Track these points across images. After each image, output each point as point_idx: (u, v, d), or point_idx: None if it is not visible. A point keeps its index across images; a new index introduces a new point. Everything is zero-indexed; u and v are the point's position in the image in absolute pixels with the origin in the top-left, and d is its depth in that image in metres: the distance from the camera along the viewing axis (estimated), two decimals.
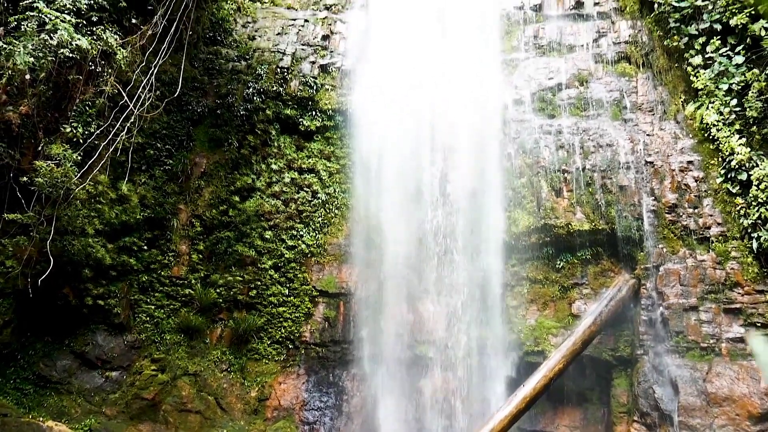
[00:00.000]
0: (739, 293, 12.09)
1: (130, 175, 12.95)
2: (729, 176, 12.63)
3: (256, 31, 16.37)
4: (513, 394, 11.61)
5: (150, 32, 13.02)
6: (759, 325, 11.77)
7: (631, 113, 14.29)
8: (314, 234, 14.55)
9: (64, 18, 11.50)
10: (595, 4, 16.08)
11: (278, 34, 16.34)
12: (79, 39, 11.47)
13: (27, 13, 11.38)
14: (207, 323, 13.88)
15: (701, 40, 13.60)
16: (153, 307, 13.64)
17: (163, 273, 13.80)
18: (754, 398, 11.21)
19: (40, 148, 11.42)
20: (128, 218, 13.17)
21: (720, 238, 12.54)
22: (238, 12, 16.58)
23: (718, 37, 13.46)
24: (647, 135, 13.88)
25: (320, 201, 14.77)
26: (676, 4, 13.92)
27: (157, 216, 13.77)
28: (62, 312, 12.68)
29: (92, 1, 12.23)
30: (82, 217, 12.10)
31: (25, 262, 11.17)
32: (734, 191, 12.51)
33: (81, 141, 11.74)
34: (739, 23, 13.10)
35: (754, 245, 12.00)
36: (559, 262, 13.47)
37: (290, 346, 13.90)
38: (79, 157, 11.53)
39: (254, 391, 13.41)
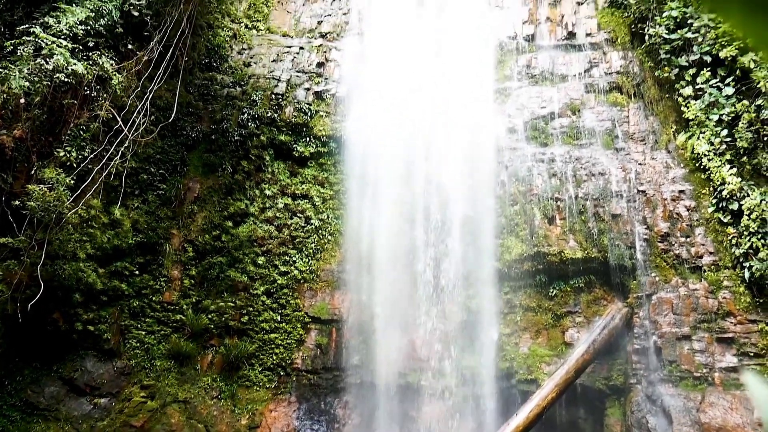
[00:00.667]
0: (731, 323, 12.10)
1: (123, 199, 12.92)
2: (720, 206, 12.72)
3: (251, 57, 16.49)
4: (506, 423, 11.51)
5: (146, 58, 13.10)
6: (752, 354, 11.77)
7: (623, 142, 14.42)
8: (307, 260, 14.52)
9: (61, 43, 11.57)
10: (587, 35, 16.31)
11: (274, 61, 16.46)
12: (74, 64, 11.53)
13: (23, 37, 11.44)
14: (198, 349, 13.75)
15: (691, 71, 13.80)
16: (143, 332, 13.52)
17: (154, 298, 13.70)
18: (748, 429, 11.15)
19: (33, 172, 11.39)
20: (120, 243, 13.11)
21: (712, 267, 12.58)
22: (234, 39, 16.71)
23: (708, 68, 13.66)
24: (639, 164, 13.98)
25: (313, 227, 14.76)
26: (667, 36, 14.14)
27: (149, 241, 13.71)
28: (51, 337, 12.55)
29: (89, 27, 12.32)
30: (73, 242, 12.03)
31: (15, 287, 11.07)
32: (726, 221, 12.59)
33: (74, 165, 11.72)
34: (728, 55, 13.31)
35: (746, 275, 12.04)
36: (552, 290, 13.47)
37: (282, 373, 13.78)
38: (72, 181, 11.51)
39: (245, 419, 13.24)
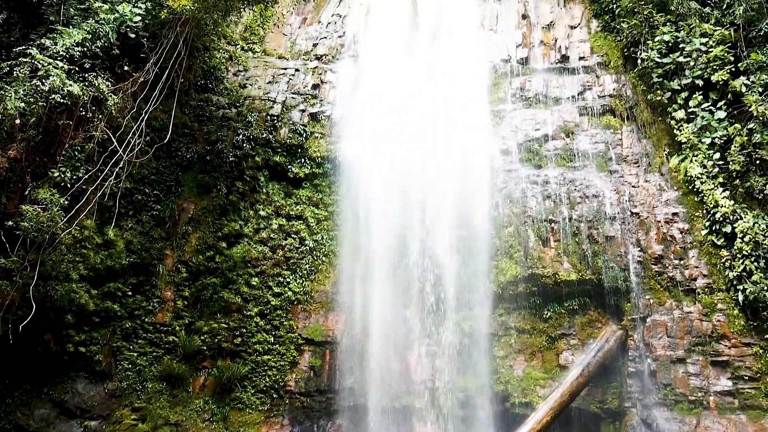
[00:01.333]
0: (726, 346, 12.08)
1: (116, 220, 12.88)
2: (714, 228, 12.76)
3: (247, 79, 16.58)
4: None
5: (142, 79, 13.15)
6: (747, 378, 11.74)
7: (616, 165, 14.50)
8: (301, 281, 14.48)
9: (57, 64, 11.61)
10: (580, 58, 16.49)
11: (269, 82, 16.55)
12: (70, 85, 11.56)
13: (20, 59, 11.49)
14: (190, 371, 13.63)
15: (684, 94, 13.92)
16: (135, 354, 13.40)
17: (147, 319, 13.61)
18: None
19: (27, 192, 11.37)
20: (113, 263, 13.05)
21: (706, 289, 12.59)
22: (230, 61, 16.81)
23: (700, 92, 13.79)
24: (633, 186, 14.05)
25: (308, 248, 14.74)
26: (659, 60, 14.28)
27: (142, 261, 13.65)
28: (42, 359, 12.43)
29: (85, 48, 12.37)
30: (66, 262, 11.97)
31: (6, 308, 10.99)
32: (719, 243, 12.62)
33: (69, 185, 11.70)
34: (720, 79, 13.44)
35: (740, 297, 12.04)
36: (546, 312, 13.44)
37: (274, 396, 13.66)
38: (66, 202, 11.49)
39: None
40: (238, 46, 17.30)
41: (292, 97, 16.27)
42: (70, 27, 12.47)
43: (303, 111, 16.06)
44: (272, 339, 13.98)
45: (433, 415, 13.08)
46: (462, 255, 13.91)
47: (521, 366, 13.24)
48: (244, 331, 13.95)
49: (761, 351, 11.81)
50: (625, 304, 13.00)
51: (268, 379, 13.69)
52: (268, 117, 15.70)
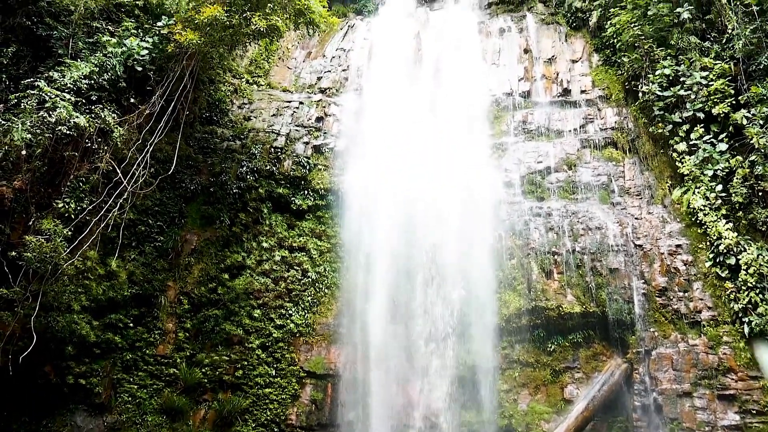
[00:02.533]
0: (732, 379, 11.94)
1: (120, 251, 12.89)
2: (717, 260, 12.72)
3: (251, 111, 16.73)
4: None
5: (147, 111, 13.29)
6: (754, 412, 11.58)
7: (619, 197, 14.51)
8: (303, 313, 14.40)
9: (64, 96, 11.76)
10: (582, 91, 16.63)
11: (273, 115, 16.71)
12: (77, 117, 11.69)
13: (28, 91, 11.64)
14: (191, 404, 13.48)
15: (685, 127, 14.02)
16: (136, 386, 13.27)
17: (148, 351, 13.51)
18: None
19: (30, 223, 11.41)
20: (116, 294, 13.02)
21: (711, 322, 12.50)
22: (235, 93, 17.00)
23: (702, 125, 13.88)
24: (636, 218, 14.04)
25: (310, 280, 14.70)
26: (660, 93, 14.39)
27: (145, 293, 13.61)
28: (42, 391, 12.32)
29: (92, 81, 12.55)
30: (68, 293, 11.96)
31: (7, 339, 10.94)
32: (723, 275, 12.57)
33: (72, 216, 11.74)
34: (721, 112, 13.54)
35: (746, 330, 11.95)
36: (550, 345, 13.32)
37: (276, 430, 13.47)
38: (70, 233, 11.52)
39: None
40: (243, 79, 17.51)
41: (296, 130, 16.40)
42: (78, 60, 12.65)
43: (307, 143, 16.17)
44: (274, 372, 13.85)
45: None
46: (465, 287, 13.84)
47: (525, 400, 13.08)
48: (246, 363, 13.84)
49: None
50: (630, 336, 12.88)
51: (269, 413, 13.52)
52: (272, 149, 15.81)
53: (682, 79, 14.36)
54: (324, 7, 15.05)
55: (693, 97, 14.06)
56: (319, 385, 13.84)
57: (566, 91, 16.77)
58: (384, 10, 20.45)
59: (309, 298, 14.56)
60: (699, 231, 13.28)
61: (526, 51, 17.97)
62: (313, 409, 13.60)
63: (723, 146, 13.41)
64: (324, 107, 17.09)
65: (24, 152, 11.24)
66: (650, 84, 14.70)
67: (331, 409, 13.57)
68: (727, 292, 12.42)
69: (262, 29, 13.35)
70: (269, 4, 13.43)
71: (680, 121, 14.13)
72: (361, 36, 19.24)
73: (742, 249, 12.43)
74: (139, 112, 13.24)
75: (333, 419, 13.50)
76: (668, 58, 14.86)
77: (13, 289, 10.88)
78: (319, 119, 16.79)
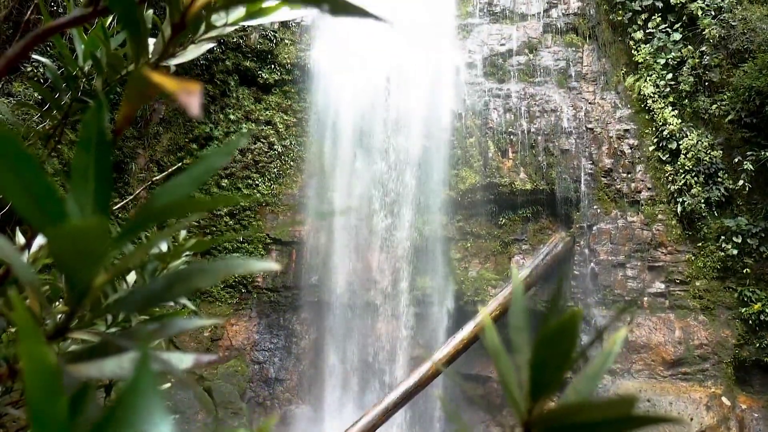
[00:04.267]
0: (662, 252, 13.17)
1: None
2: (661, 145, 13.63)
3: None
4: (452, 336, 12.47)
5: None
6: (678, 281, 12.90)
7: (575, 82, 15.12)
8: (269, 184, 15.03)
9: None
10: None
11: None
12: None
13: None
14: None
15: (644, 16, 14.47)
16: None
17: (120, 216, 14.07)
18: (668, 346, 12.36)
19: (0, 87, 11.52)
20: None
21: (649, 201, 13.57)
22: None
23: (659, 14, 14.34)
24: (589, 103, 14.74)
25: (276, 152, 15.22)
26: None
27: (115, 159, 14.00)
28: None
29: None
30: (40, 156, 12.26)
31: None
32: (664, 159, 13.52)
33: (42, 81, 11.86)
34: (678, 2, 13.99)
35: (679, 209, 13.06)
36: (501, 219, 14.32)
37: (243, 291, 14.46)
38: (40, 97, 11.68)
39: (207, 332, 13.96)
40: None
41: None
42: None
43: None
44: (241, 238, 14.64)
45: (391, 311, 14.06)
46: (425, 163, 14.56)
47: (476, 268, 14.19)
48: (214, 229, 14.57)
49: (693, 258, 12.94)
50: (575, 213, 13.93)
51: (237, 275, 14.43)
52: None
53: None
54: None
55: None
56: (284, 251, 14.73)
57: None
58: None
59: (275, 170, 15.14)
60: (647, 117, 14.08)
61: None
62: (278, 272, 14.54)
63: (677, 36, 13.98)
64: None
65: None
66: None
67: (295, 273, 14.54)
68: (666, 175, 13.43)
69: None
70: None
71: (639, 9, 14.55)
72: None
73: (684, 135, 13.32)
74: None
75: (297, 282, 14.50)
76: None
77: None
78: (298, 15, 16.64)
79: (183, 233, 2.27)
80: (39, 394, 0.47)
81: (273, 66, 15.71)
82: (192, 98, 0.64)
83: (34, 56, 2.14)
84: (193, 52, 1.18)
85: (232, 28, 1.15)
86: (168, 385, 2.74)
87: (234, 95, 15.46)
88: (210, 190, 14.70)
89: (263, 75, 15.60)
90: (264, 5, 1.08)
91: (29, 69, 11.80)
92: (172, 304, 2.28)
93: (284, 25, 16.12)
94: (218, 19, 1.12)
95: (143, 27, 0.94)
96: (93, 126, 0.76)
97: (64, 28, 1.00)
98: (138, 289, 0.84)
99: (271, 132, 15.32)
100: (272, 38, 15.78)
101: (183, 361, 0.95)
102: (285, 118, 15.51)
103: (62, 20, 0.99)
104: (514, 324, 0.89)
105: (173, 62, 1.16)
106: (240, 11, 1.11)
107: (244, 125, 15.25)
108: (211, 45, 1.23)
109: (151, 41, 1.12)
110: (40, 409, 0.47)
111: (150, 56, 1.05)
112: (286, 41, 15.96)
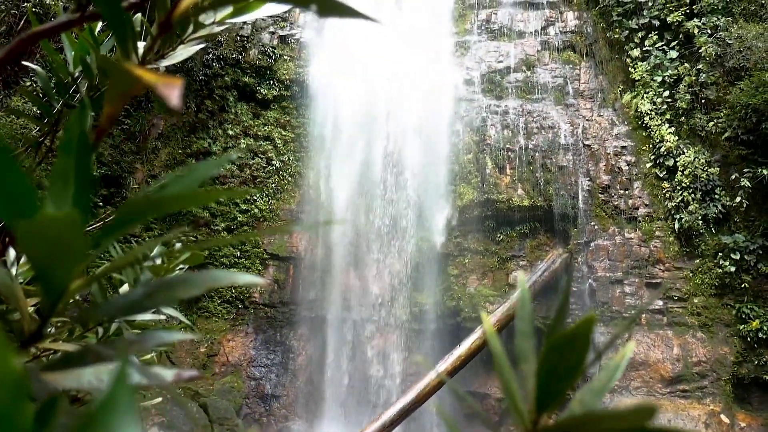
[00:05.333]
0: (660, 269, 13.16)
1: None
2: (658, 162, 13.67)
3: None
4: (449, 353, 12.40)
5: None
6: (676, 298, 12.88)
7: (573, 99, 15.19)
8: (267, 199, 15.03)
9: None
10: None
11: None
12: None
13: None
14: None
15: (640, 34, 14.58)
16: (105, 262, 13.88)
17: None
18: (667, 363, 12.31)
19: (1, 97, 11.56)
20: None
21: (646, 218, 13.58)
22: None
23: (656, 32, 14.45)
24: (586, 120, 14.80)
25: (274, 168, 15.24)
26: None
27: (113, 174, 13.99)
28: None
29: None
30: (39, 170, 12.25)
31: None
32: (662, 176, 13.56)
33: (40, 95, 11.89)
34: (675, 20, 14.10)
35: (676, 226, 13.07)
36: (499, 235, 14.31)
37: (240, 306, 14.40)
38: (39, 112, 11.69)
39: (204, 348, 13.88)
40: None
41: (263, 19, 16.39)
42: None
43: (273, 33, 16.25)
44: (238, 253, 14.61)
45: (389, 327, 14.00)
46: (423, 179, 14.58)
47: (474, 284, 14.16)
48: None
49: (691, 275, 12.93)
50: (572, 229, 13.92)
51: (234, 291, 14.38)
52: (238, 37, 15.88)
53: None
54: None
55: (650, 4, 14.55)
56: (282, 267, 14.70)
57: None
58: None
59: (273, 185, 15.16)
60: (644, 134, 14.13)
61: None
62: (275, 288, 14.50)
63: (674, 54, 14.07)
64: None
65: None
66: None
67: (292, 289, 14.50)
68: (663, 191, 13.46)
69: None
70: None
71: (636, 27, 14.67)
72: None
73: (681, 152, 13.37)
74: None
75: (294, 298, 14.45)
76: None
77: None
78: (285, 9, 16.75)
79: (177, 245, 2.25)
80: (1, 402, 0.46)
81: (272, 82, 15.78)
82: (172, 90, 0.64)
83: (25, 63, 2.14)
84: (182, 53, 1.18)
85: (220, 28, 1.14)
86: (159, 399, 2.72)
87: (233, 110, 15.51)
88: (208, 205, 14.68)
89: (262, 91, 15.65)
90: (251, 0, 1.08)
91: (28, 83, 11.84)
92: (164, 317, 2.26)
93: (283, 41, 16.21)
94: (206, 18, 1.12)
95: (130, 29, 0.93)
96: (75, 129, 0.75)
97: (52, 32, 0.99)
98: (118, 296, 0.82)
99: (270, 147, 15.35)
100: (271, 54, 15.86)
101: (165, 375, 0.94)
102: (283, 133, 15.55)
103: (49, 25, 0.99)
104: (520, 329, 0.86)
105: (164, 63, 1.16)
106: (227, 9, 1.11)
107: (242, 140, 15.28)
108: (200, 46, 1.23)
109: (142, 46, 1.12)
110: (1, 416, 0.46)
111: (139, 59, 1.05)
112: (285, 57, 16.04)
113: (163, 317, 2.25)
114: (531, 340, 0.83)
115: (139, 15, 1.30)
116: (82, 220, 0.64)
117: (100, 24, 1.69)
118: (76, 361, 0.74)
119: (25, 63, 2.01)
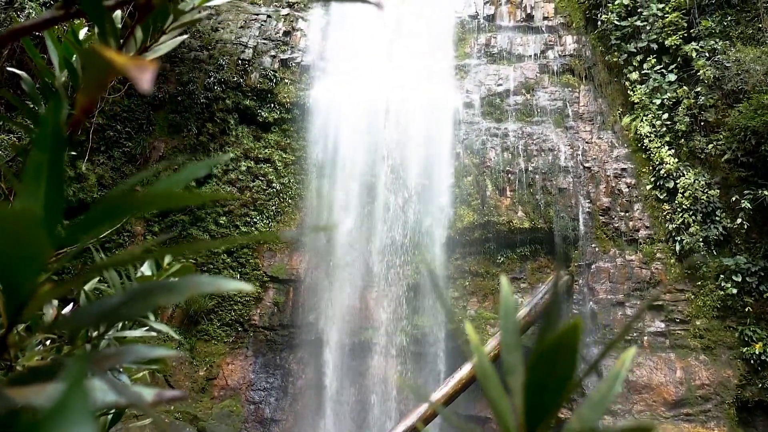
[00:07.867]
0: (661, 291, 13.08)
1: (89, 154, 13.21)
2: (658, 184, 13.68)
3: (219, 23, 16.77)
4: (450, 376, 12.30)
5: None
6: (678, 320, 12.79)
7: (572, 121, 15.25)
8: (267, 222, 15.03)
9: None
10: (544, 18, 17.06)
11: (241, 27, 16.78)
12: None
13: None
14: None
15: (639, 57, 14.68)
16: (105, 286, 13.83)
17: (117, 252, 14.03)
18: (670, 386, 12.19)
19: (1, 123, 11.61)
20: (85, 196, 13.42)
21: (647, 240, 13.55)
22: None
23: (654, 55, 14.56)
24: (586, 142, 14.84)
25: (275, 190, 15.26)
26: (618, 23, 14.96)
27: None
28: None
29: None
30: None
31: None
32: (662, 198, 13.55)
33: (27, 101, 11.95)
34: (673, 44, 14.21)
35: (677, 248, 13.03)
36: (499, 257, 14.26)
37: (239, 329, 14.32)
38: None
39: (202, 371, 13.78)
40: None
41: (264, 43, 16.56)
42: None
43: (274, 57, 16.38)
44: (238, 276, 14.56)
45: (389, 350, 13.90)
46: (423, 202, 14.59)
47: (474, 306, 14.09)
48: (212, 267, 14.51)
49: (693, 297, 12.86)
50: (573, 251, 13.89)
51: (233, 313, 14.32)
52: (240, 61, 16.00)
53: (639, 10, 14.93)
54: None
55: (648, 28, 14.67)
56: (281, 289, 14.64)
57: (529, 17, 17.18)
58: None
59: (273, 207, 15.16)
60: (643, 156, 14.16)
61: None
62: (275, 311, 14.43)
63: (672, 77, 14.15)
64: (291, 21, 17.21)
65: None
66: (609, 13, 15.23)
67: (292, 311, 14.42)
68: (664, 213, 13.44)
69: None
70: None
71: (635, 51, 14.77)
72: None
73: (681, 174, 13.38)
74: None
75: (294, 320, 14.37)
76: None
77: None
78: (286, 33, 16.94)
79: (167, 258, 2.23)
80: None
81: (272, 105, 15.87)
82: (144, 73, 0.63)
83: (9, 69, 2.14)
84: (165, 46, 1.17)
85: (202, 14, 1.14)
86: (149, 421, 2.67)
87: (233, 133, 15.57)
88: (208, 227, 14.68)
89: (263, 114, 15.73)
90: None
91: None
92: (155, 334, 2.23)
93: (284, 64, 16.33)
94: (186, 5, 1.11)
95: (110, 23, 0.93)
96: (49, 122, 0.74)
97: (33, 29, 0.99)
98: (92, 304, 0.79)
99: (270, 170, 15.38)
100: (272, 78, 15.97)
101: (144, 395, 0.91)
102: (284, 156, 15.59)
103: (31, 22, 0.98)
104: (506, 342, 0.81)
105: (149, 57, 1.15)
106: None
107: (243, 163, 15.32)
108: (183, 37, 1.23)
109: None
110: None
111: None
112: (286, 80, 16.15)
113: (154, 334, 2.22)
114: (518, 353, 0.79)
115: (118, 12, 1.30)
116: (48, 216, 0.63)
117: (86, 29, 1.69)
118: (43, 375, 0.70)
119: (10, 69, 2.01)
